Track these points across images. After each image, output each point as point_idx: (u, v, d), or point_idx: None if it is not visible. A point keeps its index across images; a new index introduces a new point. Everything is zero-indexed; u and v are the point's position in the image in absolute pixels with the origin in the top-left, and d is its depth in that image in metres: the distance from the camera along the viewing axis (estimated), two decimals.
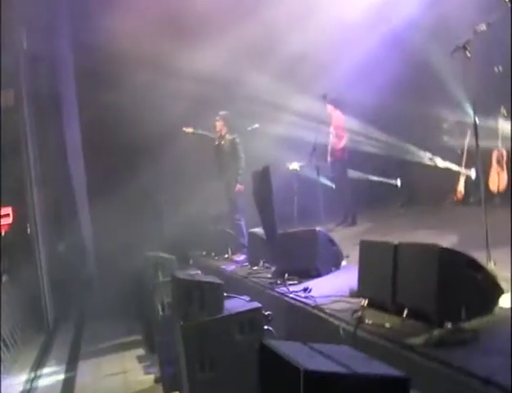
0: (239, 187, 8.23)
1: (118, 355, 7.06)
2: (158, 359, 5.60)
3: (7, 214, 9.72)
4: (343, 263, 5.68)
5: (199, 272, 5.86)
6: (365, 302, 3.99)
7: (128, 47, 9.61)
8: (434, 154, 9.22)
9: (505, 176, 7.95)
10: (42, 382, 6.26)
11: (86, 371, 6.56)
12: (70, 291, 10.27)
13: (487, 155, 7.77)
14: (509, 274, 3.83)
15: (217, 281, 4.29)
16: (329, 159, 8.86)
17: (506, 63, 7.53)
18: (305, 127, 8.64)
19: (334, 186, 9.04)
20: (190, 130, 8.77)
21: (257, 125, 8.74)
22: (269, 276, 5.89)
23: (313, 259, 5.49)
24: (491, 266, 3.97)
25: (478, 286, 3.35)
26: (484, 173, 7.27)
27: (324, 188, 8.54)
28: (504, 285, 3.50)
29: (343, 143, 8.86)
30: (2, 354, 6.66)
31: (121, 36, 9.58)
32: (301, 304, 4.65)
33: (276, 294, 5.24)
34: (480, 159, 5.07)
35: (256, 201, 6.45)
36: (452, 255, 3.40)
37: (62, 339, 8.22)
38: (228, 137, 8.46)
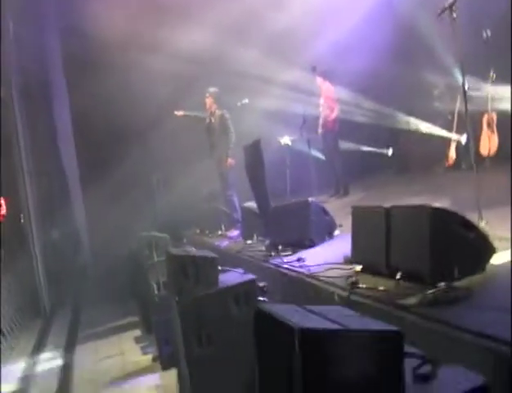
0: (230, 161, 8.22)
1: (115, 338, 7.07)
2: (155, 339, 5.62)
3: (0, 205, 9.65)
4: (337, 232, 5.69)
5: (193, 249, 5.85)
6: (359, 267, 4.01)
7: (114, 30, 9.50)
8: (425, 120, 9.19)
9: (495, 139, 7.94)
10: (41, 368, 6.27)
11: (83, 355, 6.56)
12: (66, 278, 10.27)
13: (478, 119, 7.75)
14: (502, 233, 3.85)
15: (212, 255, 4.29)
16: (320, 130, 8.84)
17: (494, 27, 7.45)
18: (295, 99, 8.60)
19: (324, 158, 9.02)
20: (181, 113, 8.73)
21: (246, 100, 8.68)
22: (263, 249, 5.89)
23: (307, 230, 5.49)
24: (482, 225, 3.98)
25: (471, 245, 3.35)
26: (475, 137, 7.26)
27: (316, 161, 8.53)
28: (496, 244, 3.51)
29: (334, 115, 8.84)
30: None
31: (107, 20, 9.48)
32: (295, 274, 4.65)
33: (271, 266, 5.25)
34: (470, 123, 5.06)
35: (248, 175, 6.44)
36: (444, 215, 3.39)
37: (59, 325, 8.22)
38: (218, 112, 8.42)
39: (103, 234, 10.17)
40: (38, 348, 6.95)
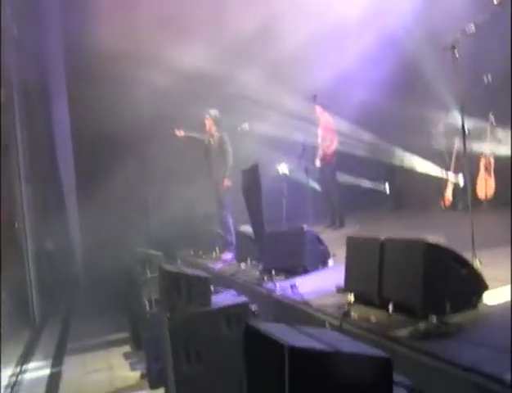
0: (226, 182, 8.25)
1: (104, 352, 6.99)
2: (144, 356, 5.57)
3: None
4: (331, 262, 5.71)
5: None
6: (351, 297, 4.02)
7: (118, 42, 9.62)
8: (423, 157, 9.28)
9: (492, 183, 8.04)
10: (28, 376, 6.18)
11: (71, 367, 6.49)
12: (58, 288, 10.18)
13: (476, 159, 7.85)
14: (495, 273, 3.88)
15: (205, 274, 4.30)
16: (318, 163, 8.86)
17: (495, 70, 7.61)
18: (294, 127, 8.67)
19: (320, 189, 9.03)
20: (181, 133, 8.77)
21: (246, 125, 8.70)
22: (257, 273, 5.90)
23: (301, 257, 5.52)
24: (476, 264, 4.01)
25: (463, 281, 3.39)
26: (472, 178, 7.34)
27: (313, 191, 8.55)
28: (494, 283, 3.53)
29: (333, 147, 8.86)
30: None
31: (112, 31, 9.61)
32: (288, 300, 4.66)
33: (263, 290, 5.25)
34: (468, 164, 5.13)
35: (245, 199, 6.47)
36: (438, 250, 3.44)
37: (49, 335, 8.13)
38: (217, 134, 8.51)
39: (96, 246, 10.11)
40: (27, 357, 6.86)
